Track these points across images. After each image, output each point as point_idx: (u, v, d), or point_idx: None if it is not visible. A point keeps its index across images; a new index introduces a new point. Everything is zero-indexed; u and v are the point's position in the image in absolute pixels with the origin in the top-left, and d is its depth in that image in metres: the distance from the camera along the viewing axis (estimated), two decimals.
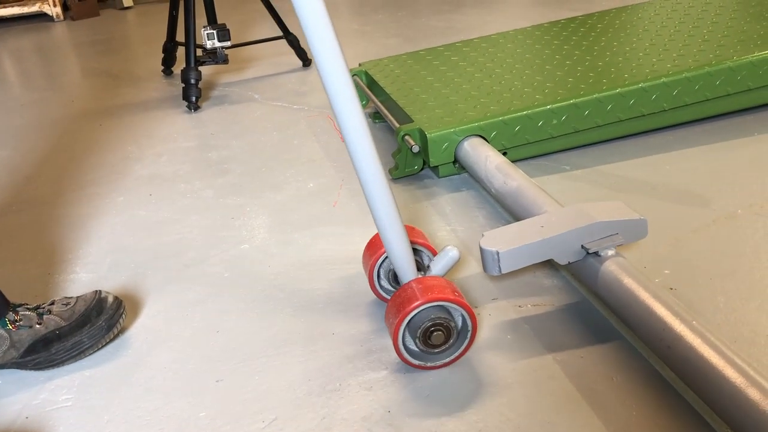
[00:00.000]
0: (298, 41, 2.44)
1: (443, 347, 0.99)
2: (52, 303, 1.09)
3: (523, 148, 1.56)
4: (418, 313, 0.96)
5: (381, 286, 1.13)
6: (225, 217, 1.47)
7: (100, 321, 1.06)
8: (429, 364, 0.99)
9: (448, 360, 1.00)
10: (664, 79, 1.56)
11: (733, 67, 1.58)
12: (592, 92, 1.54)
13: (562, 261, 1.04)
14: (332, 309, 1.14)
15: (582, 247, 1.03)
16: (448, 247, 1.03)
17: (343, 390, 0.97)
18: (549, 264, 1.20)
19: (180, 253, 1.35)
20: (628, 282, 0.97)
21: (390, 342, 1.06)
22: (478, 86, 1.70)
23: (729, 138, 1.61)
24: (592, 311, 1.09)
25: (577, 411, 0.90)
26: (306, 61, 2.47)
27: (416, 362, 0.99)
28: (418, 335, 0.96)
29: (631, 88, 1.55)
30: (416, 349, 0.99)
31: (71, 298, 1.10)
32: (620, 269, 0.99)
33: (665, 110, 1.60)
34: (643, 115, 1.59)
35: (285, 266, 1.27)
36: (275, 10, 2.38)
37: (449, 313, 0.98)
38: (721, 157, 1.53)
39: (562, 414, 0.90)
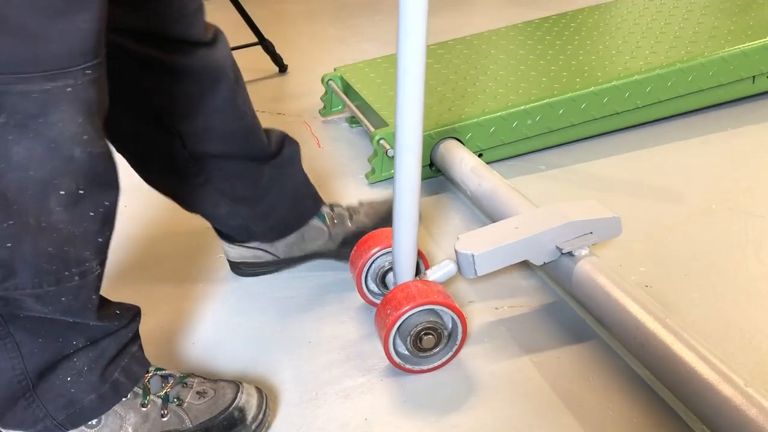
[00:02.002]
0: (273, 47, 2.42)
1: (433, 351, 0.98)
2: (361, 204, 1.25)
3: (499, 149, 1.56)
4: (414, 314, 0.96)
5: (368, 289, 1.12)
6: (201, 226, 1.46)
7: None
8: (416, 368, 0.99)
9: (438, 363, 1.00)
10: (636, 77, 1.57)
11: (704, 63, 1.59)
12: (565, 91, 1.55)
13: (538, 262, 1.04)
14: (309, 316, 1.13)
15: (556, 247, 1.03)
16: (446, 261, 1.04)
17: (319, 399, 0.96)
18: (525, 265, 1.20)
19: (156, 263, 1.34)
20: (602, 281, 0.97)
21: (368, 348, 1.05)
22: (453, 88, 1.70)
23: (703, 133, 1.62)
24: (568, 311, 1.09)
25: (554, 412, 0.90)
26: (282, 66, 2.45)
27: (405, 366, 0.99)
28: (410, 334, 0.95)
29: (604, 86, 1.55)
30: (406, 352, 0.98)
31: (375, 201, 1.25)
32: (594, 268, 0.99)
33: (639, 107, 1.61)
34: (617, 113, 1.60)
35: (259, 275, 1.26)
36: (250, 17, 2.37)
37: (441, 317, 0.97)
38: (695, 152, 1.54)
39: (539, 416, 0.90)
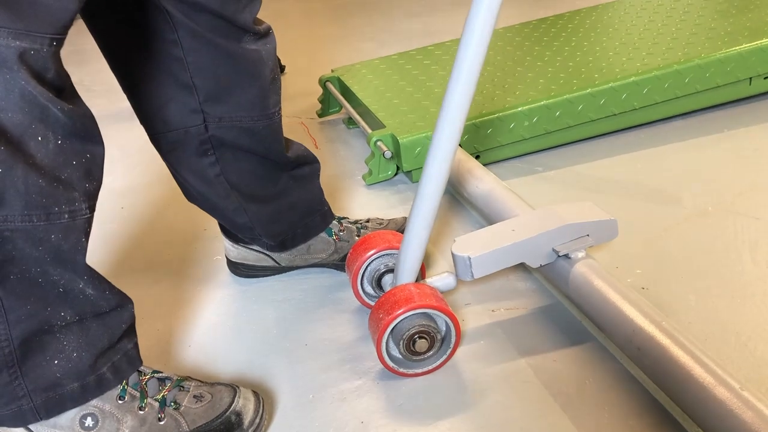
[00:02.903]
0: None
1: (426, 355, 0.98)
2: (368, 221, 1.26)
3: (496, 150, 1.57)
4: (407, 317, 0.96)
5: (364, 291, 1.12)
6: (198, 228, 1.46)
7: None
8: (409, 372, 0.99)
9: (430, 368, 1.00)
10: (633, 78, 1.57)
11: (701, 65, 1.60)
12: (562, 93, 1.55)
13: (534, 264, 1.04)
14: (305, 319, 1.13)
15: (553, 249, 1.03)
16: (447, 273, 1.05)
17: (316, 402, 0.96)
18: (522, 267, 1.20)
19: (156, 265, 1.34)
20: (598, 284, 0.97)
21: (364, 350, 1.05)
22: None
23: (699, 135, 1.62)
24: (565, 314, 1.09)
25: (550, 416, 0.90)
26: (280, 67, 2.46)
27: (398, 369, 0.99)
28: (403, 338, 0.96)
29: (601, 87, 1.56)
30: (399, 355, 0.99)
31: (384, 219, 1.28)
32: (590, 271, 0.99)
33: (636, 109, 1.61)
34: (614, 115, 1.60)
35: (257, 278, 1.26)
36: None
37: (435, 321, 0.97)
38: (691, 154, 1.54)
39: (536, 420, 0.90)
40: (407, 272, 1.00)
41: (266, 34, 0.99)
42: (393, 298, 0.97)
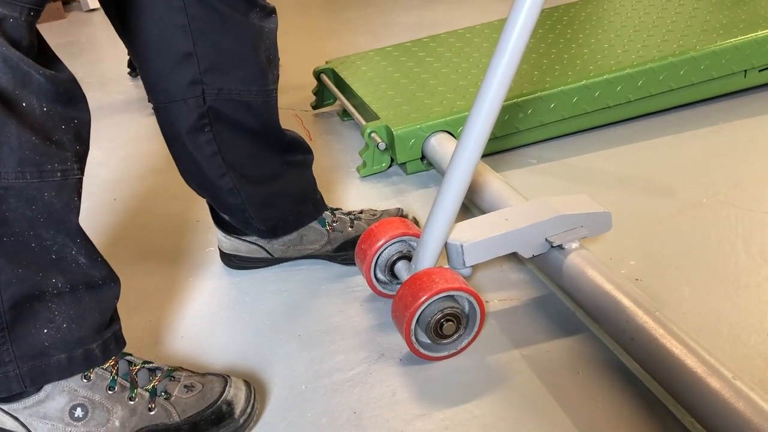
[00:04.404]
0: None
1: (452, 337, 0.99)
2: (362, 212, 1.26)
3: (490, 142, 1.54)
4: (434, 300, 0.96)
5: (377, 279, 1.12)
6: (190, 220, 1.45)
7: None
8: (435, 355, 1.00)
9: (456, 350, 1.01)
10: (628, 70, 1.56)
11: (696, 57, 1.59)
12: (557, 85, 1.54)
13: (527, 254, 1.04)
14: (298, 311, 1.13)
15: (546, 240, 1.03)
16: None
17: (308, 392, 0.96)
18: (516, 258, 1.20)
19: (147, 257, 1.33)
20: (592, 274, 0.97)
21: (357, 341, 1.05)
22: (445, 81, 1.69)
23: (694, 128, 1.62)
24: (558, 304, 1.09)
25: (543, 406, 0.90)
26: None
27: (425, 353, 0.99)
28: (430, 324, 0.96)
29: (596, 80, 1.55)
30: (426, 340, 0.99)
31: (377, 210, 1.27)
32: (584, 262, 0.99)
33: (630, 101, 1.60)
34: (609, 107, 1.60)
35: (250, 269, 1.25)
36: None
37: (459, 302, 0.98)
38: (686, 146, 1.54)
39: (529, 410, 0.90)
40: (428, 258, 1.00)
41: (273, 12, 1.01)
42: (414, 285, 0.97)
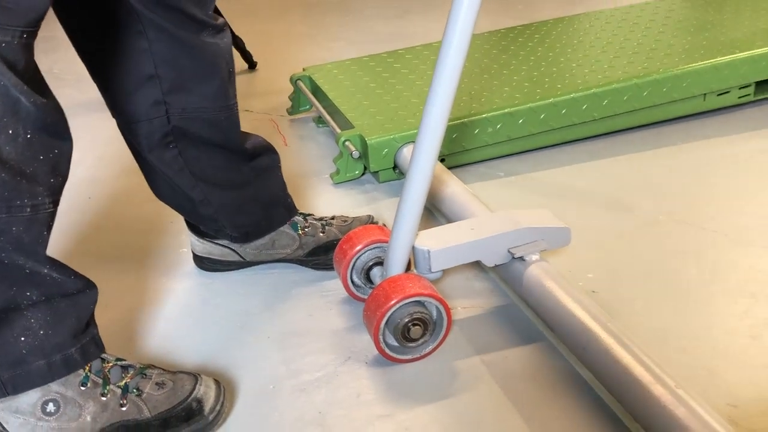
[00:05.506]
0: (243, 44, 2.44)
1: (419, 341, 1.03)
2: (333, 218, 1.29)
3: (460, 154, 1.61)
4: (402, 305, 1.00)
5: (353, 283, 1.16)
6: (164, 221, 1.48)
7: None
8: (402, 358, 1.04)
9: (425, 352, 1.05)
10: (594, 90, 1.63)
11: (659, 80, 1.66)
12: (526, 102, 1.60)
13: (489, 263, 1.09)
14: (269, 313, 1.16)
15: (508, 251, 1.08)
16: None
17: (276, 392, 0.99)
18: (480, 267, 1.25)
19: (122, 254, 1.35)
20: (550, 285, 1.02)
21: (325, 344, 1.08)
22: (419, 93, 1.74)
23: (655, 147, 1.69)
24: (518, 313, 1.14)
25: (501, 410, 0.95)
26: (252, 63, 2.47)
27: (393, 355, 1.03)
28: (399, 327, 1.00)
29: (563, 97, 1.61)
30: (395, 343, 1.03)
31: (348, 217, 1.30)
32: (543, 273, 1.04)
33: (596, 119, 1.67)
34: (575, 124, 1.66)
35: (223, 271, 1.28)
36: (221, 13, 2.37)
37: (427, 308, 1.02)
38: (646, 165, 1.61)
39: (487, 413, 0.94)
40: (397, 263, 1.04)
41: (223, 28, 1.03)
42: (388, 288, 1.01)
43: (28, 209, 0.77)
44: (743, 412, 0.91)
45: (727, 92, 1.76)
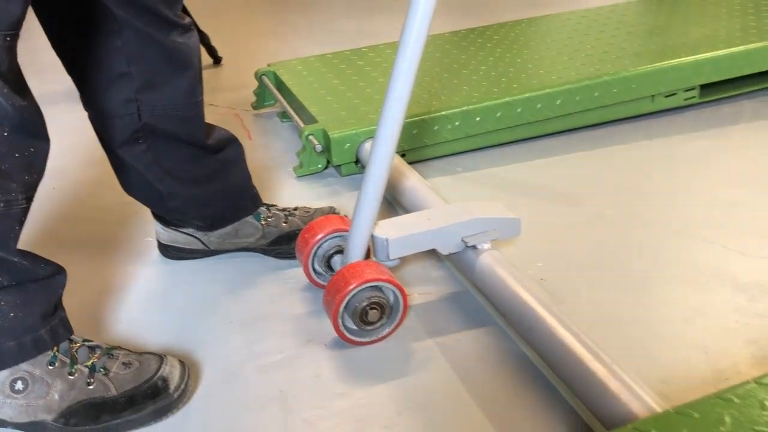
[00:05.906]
0: (208, 39, 2.45)
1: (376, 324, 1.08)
2: (296, 209, 1.32)
3: (420, 150, 1.67)
4: (361, 290, 1.05)
5: (314, 271, 1.21)
6: (129, 210, 1.50)
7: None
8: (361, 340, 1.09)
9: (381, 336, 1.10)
10: (548, 90, 1.70)
11: (609, 81, 1.75)
12: (483, 100, 1.67)
13: (445, 251, 1.14)
14: (232, 299, 1.20)
15: (462, 240, 1.14)
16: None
17: (238, 373, 1.04)
18: (436, 256, 1.30)
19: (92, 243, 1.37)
20: (500, 273, 1.08)
21: (287, 327, 1.13)
22: (380, 90, 1.79)
23: (605, 146, 1.77)
24: (471, 299, 1.20)
25: (452, 388, 1.01)
26: (217, 59, 2.49)
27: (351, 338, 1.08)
28: (357, 311, 1.05)
29: (518, 97, 1.68)
30: (353, 326, 1.08)
31: (310, 208, 1.33)
32: (494, 261, 1.10)
33: (549, 118, 1.74)
34: (530, 123, 1.73)
35: (188, 259, 1.32)
36: (186, 8, 2.39)
37: (384, 293, 1.07)
38: (596, 163, 1.69)
39: (438, 391, 1.00)
40: (357, 251, 1.09)
41: (190, 27, 1.07)
42: (347, 274, 1.06)
43: (2, 204, 0.80)
44: (674, 388, 0.98)
45: (674, 94, 1.85)
